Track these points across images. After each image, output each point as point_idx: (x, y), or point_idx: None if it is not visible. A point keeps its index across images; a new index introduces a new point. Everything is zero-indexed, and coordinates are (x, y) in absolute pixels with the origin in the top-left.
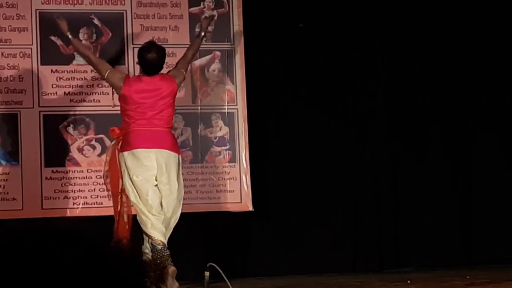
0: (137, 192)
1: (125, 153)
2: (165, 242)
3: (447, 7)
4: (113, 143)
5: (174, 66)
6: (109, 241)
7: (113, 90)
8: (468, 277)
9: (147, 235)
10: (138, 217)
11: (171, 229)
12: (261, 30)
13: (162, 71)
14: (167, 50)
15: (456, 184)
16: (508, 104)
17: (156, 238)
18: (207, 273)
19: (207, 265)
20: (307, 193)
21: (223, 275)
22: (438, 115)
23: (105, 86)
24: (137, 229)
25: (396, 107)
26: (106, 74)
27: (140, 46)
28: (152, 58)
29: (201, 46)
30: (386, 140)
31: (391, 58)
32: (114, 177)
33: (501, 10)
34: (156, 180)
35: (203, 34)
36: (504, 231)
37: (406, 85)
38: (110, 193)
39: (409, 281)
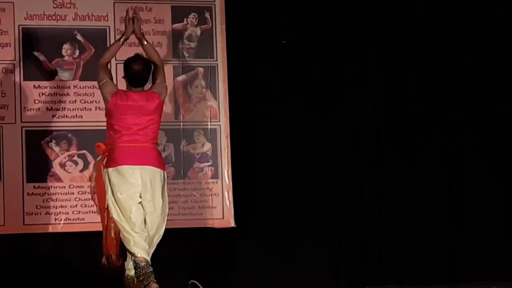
0: (120, 209)
1: (110, 169)
2: (148, 259)
3: (441, 19)
4: (98, 158)
5: (151, 82)
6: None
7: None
8: None
9: (130, 252)
10: (121, 235)
11: (155, 246)
12: (244, 46)
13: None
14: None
15: (444, 198)
16: (502, 116)
17: (139, 256)
18: None
19: (189, 283)
20: (290, 209)
21: None
22: (432, 127)
23: (87, 102)
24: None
25: (390, 118)
26: (101, 83)
27: (123, 61)
28: (138, 69)
29: (184, 62)
30: (376, 152)
31: (385, 70)
32: (101, 193)
33: (495, 22)
34: (140, 197)
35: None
36: (491, 247)
37: (400, 96)
38: (97, 208)
39: None
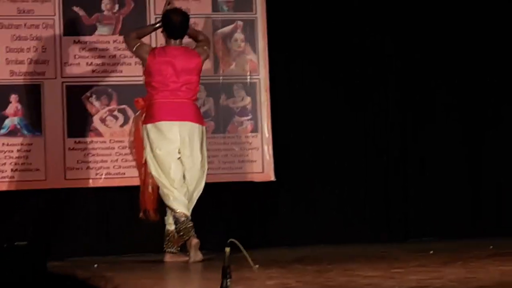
0: (158, 165)
1: (148, 125)
2: (188, 214)
3: None
4: (137, 114)
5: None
6: (134, 211)
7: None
8: (491, 247)
9: (169, 207)
10: (160, 190)
11: (194, 201)
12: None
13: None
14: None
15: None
16: None
17: (178, 211)
18: (227, 249)
19: (228, 241)
20: (330, 163)
21: (244, 252)
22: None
23: (128, 57)
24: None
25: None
26: (135, 47)
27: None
28: (177, 20)
29: (223, 15)
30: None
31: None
32: (139, 148)
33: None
34: (179, 153)
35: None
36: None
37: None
38: (136, 163)
39: (431, 252)
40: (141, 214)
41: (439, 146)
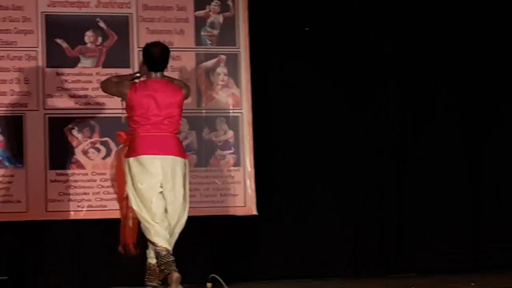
0: (140, 200)
1: (130, 159)
2: (170, 248)
3: None
4: (119, 147)
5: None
6: (115, 244)
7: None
8: (472, 284)
9: (150, 242)
10: (141, 225)
11: (176, 235)
12: (266, 33)
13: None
14: (172, 53)
15: (466, 185)
16: None
17: (159, 245)
18: (209, 285)
19: (209, 277)
20: (311, 196)
21: (225, 286)
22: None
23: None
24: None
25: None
26: (115, 86)
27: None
28: (157, 53)
29: (207, 49)
30: (390, 132)
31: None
32: (120, 181)
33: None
34: (161, 187)
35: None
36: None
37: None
38: (117, 196)
39: (413, 287)
40: (120, 248)
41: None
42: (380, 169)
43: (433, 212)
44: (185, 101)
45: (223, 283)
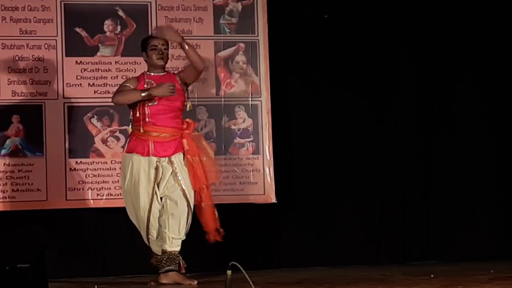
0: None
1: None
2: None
3: None
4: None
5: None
6: (134, 232)
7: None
8: (492, 271)
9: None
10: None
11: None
12: (285, 21)
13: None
14: (191, 42)
15: (490, 176)
16: None
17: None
18: (229, 272)
19: (229, 264)
20: (331, 184)
21: (245, 274)
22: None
23: (129, 77)
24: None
25: (436, 93)
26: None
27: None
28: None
29: (225, 38)
30: (416, 131)
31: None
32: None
33: None
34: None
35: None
36: None
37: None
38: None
39: (432, 275)
40: (211, 236)
41: (457, 156)
42: (402, 162)
43: (456, 201)
44: (204, 89)
45: (243, 270)
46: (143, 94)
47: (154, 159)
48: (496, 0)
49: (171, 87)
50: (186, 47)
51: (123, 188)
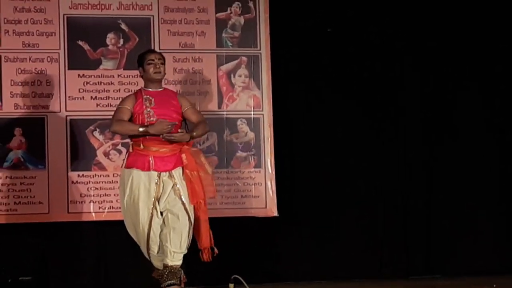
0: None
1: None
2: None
3: None
4: (193, 149)
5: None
6: (136, 245)
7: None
8: (494, 285)
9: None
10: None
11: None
12: (287, 35)
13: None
14: (193, 55)
15: (493, 189)
16: None
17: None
18: (231, 286)
19: (232, 277)
20: (333, 198)
21: (247, 287)
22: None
23: (131, 91)
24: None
25: (435, 98)
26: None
27: (166, 51)
28: (154, 57)
29: (228, 51)
30: (418, 140)
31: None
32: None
33: None
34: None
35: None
36: None
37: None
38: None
39: None
40: (205, 257)
41: (460, 164)
42: (404, 171)
43: (459, 215)
44: (206, 102)
45: (245, 284)
46: (140, 129)
47: (155, 173)
48: (499, 9)
49: (169, 126)
50: (195, 135)
51: (122, 204)
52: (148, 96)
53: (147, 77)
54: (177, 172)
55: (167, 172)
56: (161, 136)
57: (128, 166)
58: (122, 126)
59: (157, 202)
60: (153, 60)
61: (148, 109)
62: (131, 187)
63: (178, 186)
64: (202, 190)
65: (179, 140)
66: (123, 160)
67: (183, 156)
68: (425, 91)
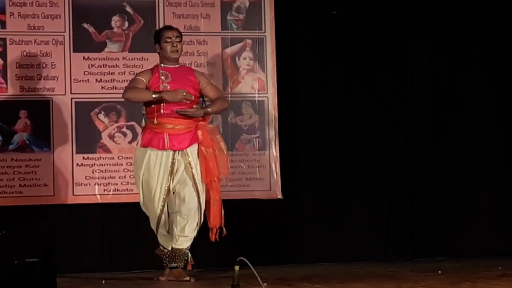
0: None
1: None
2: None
3: None
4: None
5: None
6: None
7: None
8: (499, 267)
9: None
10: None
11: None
12: (292, 18)
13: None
14: (198, 38)
15: (499, 170)
16: None
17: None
18: (237, 267)
19: (237, 259)
20: (338, 180)
21: (253, 270)
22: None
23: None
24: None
25: (439, 89)
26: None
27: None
28: (171, 34)
29: (232, 34)
30: (426, 124)
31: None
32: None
33: None
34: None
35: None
36: None
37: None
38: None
39: (440, 272)
40: (214, 236)
41: (465, 150)
42: (412, 151)
43: (464, 197)
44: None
45: (251, 266)
46: (154, 96)
47: (170, 152)
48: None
49: (184, 93)
50: (210, 111)
51: (138, 181)
52: (165, 72)
53: (164, 55)
54: (193, 149)
55: (182, 151)
56: (175, 110)
57: (144, 145)
58: (134, 93)
59: (171, 181)
60: (170, 38)
61: (165, 84)
62: (147, 165)
63: (192, 164)
64: (217, 168)
65: (193, 115)
66: (131, 140)
67: (199, 132)
68: (434, 75)
